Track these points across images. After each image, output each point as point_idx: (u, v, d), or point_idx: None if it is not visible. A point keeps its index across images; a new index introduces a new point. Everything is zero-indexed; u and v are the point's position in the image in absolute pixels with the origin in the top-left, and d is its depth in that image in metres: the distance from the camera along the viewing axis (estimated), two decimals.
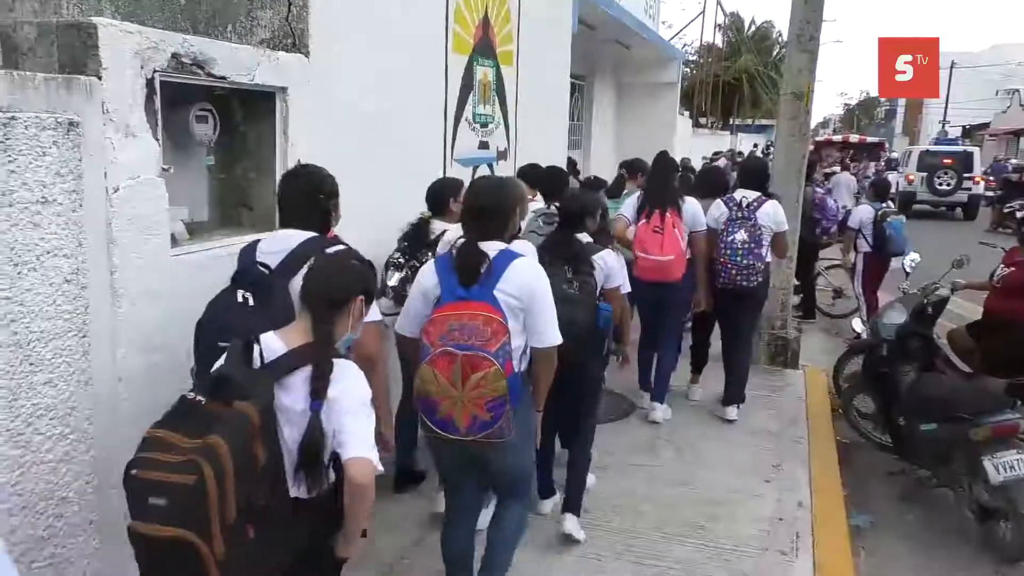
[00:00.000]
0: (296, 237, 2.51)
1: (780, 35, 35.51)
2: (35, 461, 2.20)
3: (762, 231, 4.90)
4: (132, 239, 2.52)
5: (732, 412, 5.19)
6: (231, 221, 3.42)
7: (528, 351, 2.69)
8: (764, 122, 35.83)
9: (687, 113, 22.32)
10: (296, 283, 2.23)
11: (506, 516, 2.95)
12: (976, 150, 22.38)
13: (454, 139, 5.07)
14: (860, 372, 5.16)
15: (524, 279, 2.58)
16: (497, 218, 2.71)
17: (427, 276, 2.68)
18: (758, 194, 5.05)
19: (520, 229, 3.12)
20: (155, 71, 2.59)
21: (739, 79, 32.44)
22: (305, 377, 1.96)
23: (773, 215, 4.98)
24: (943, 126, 38.46)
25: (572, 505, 3.65)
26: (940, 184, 20.89)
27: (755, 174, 5.32)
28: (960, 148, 22.09)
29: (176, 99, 2.90)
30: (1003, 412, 3.85)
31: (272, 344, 2.00)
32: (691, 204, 4.91)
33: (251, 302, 2.27)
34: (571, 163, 8.89)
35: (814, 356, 6.86)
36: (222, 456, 1.65)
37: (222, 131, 3.18)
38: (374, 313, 2.47)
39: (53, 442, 2.25)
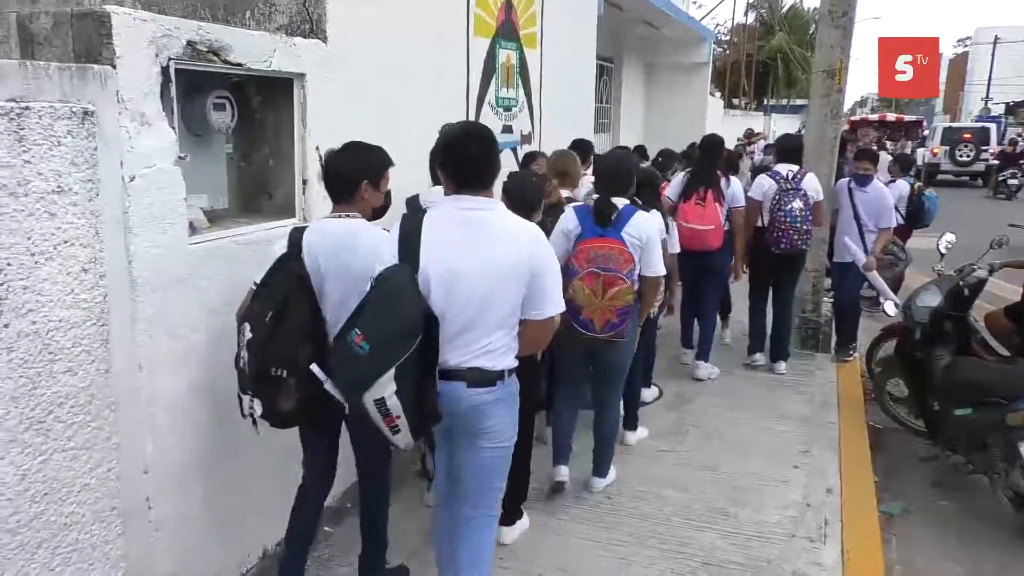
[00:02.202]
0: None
1: (814, 13, 34.70)
2: (57, 448, 2.22)
3: (809, 199, 5.46)
4: (149, 228, 2.53)
5: (782, 367, 5.86)
6: (252, 209, 3.43)
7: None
8: (799, 102, 35.07)
9: (719, 94, 21.99)
10: None
11: (605, 415, 3.92)
12: (992, 126, 25.53)
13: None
14: (893, 355, 5.04)
15: (643, 225, 3.55)
16: (623, 181, 3.73)
17: (568, 220, 3.58)
18: (797, 167, 5.63)
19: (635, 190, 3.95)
20: (170, 59, 2.59)
21: (773, 59, 31.84)
22: None
23: (815, 185, 5.57)
24: (986, 103, 37.43)
25: (630, 421, 4.59)
26: (960, 156, 23.79)
27: (792, 150, 5.86)
28: (978, 124, 25.79)
29: (194, 87, 2.90)
30: None
31: None
32: (734, 183, 5.55)
33: None
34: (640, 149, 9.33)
35: None
36: None
37: (241, 118, 3.18)
38: None
39: (74, 430, 2.27)
